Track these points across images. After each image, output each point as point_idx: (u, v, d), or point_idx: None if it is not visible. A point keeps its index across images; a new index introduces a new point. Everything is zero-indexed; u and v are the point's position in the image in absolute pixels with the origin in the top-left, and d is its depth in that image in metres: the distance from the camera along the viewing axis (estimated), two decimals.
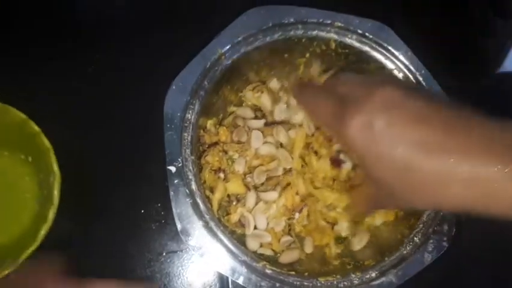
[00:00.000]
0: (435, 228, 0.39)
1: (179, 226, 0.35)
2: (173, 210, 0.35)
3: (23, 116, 0.41)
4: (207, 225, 0.36)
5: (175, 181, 0.36)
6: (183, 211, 0.36)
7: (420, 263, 0.38)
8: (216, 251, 0.35)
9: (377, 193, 0.33)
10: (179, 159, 0.36)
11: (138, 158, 0.47)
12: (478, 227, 0.39)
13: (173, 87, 0.38)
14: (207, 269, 0.45)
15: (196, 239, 0.35)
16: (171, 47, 0.48)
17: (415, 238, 0.39)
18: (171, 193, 0.36)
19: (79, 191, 0.45)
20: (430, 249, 0.38)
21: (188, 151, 0.37)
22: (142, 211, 0.46)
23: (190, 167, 0.37)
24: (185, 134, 0.37)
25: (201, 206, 0.36)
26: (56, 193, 0.40)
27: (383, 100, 0.30)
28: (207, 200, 0.38)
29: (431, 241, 0.38)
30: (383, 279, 0.37)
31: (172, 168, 0.36)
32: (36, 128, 0.40)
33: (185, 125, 0.38)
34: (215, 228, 0.36)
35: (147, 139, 0.46)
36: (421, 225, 0.39)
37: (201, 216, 0.36)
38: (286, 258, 0.41)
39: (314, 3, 0.42)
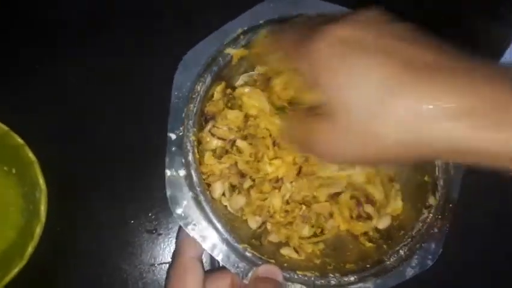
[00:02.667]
0: (422, 244, 0.38)
1: (168, 192, 0.35)
2: (166, 176, 0.35)
3: (4, 128, 0.39)
4: (196, 198, 0.36)
5: (173, 149, 0.36)
6: (175, 179, 0.35)
7: (401, 276, 0.38)
8: (201, 224, 0.35)
9: (333, 128, 0.26)
10: (180, 128, 0.36)
11: (128, 169, 0.46)
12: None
13: (188, 57, 0.38)
14: None
15: (183, 209, 0.35)
16: (170, 46, 0.44)
17: (401, 251, 0.39)
18: (167, 159, 0.35)
19: (65, 204, 0.44)
20: (414, 264, 0.38)
21: (191, 122, 0.37)
22: (132, 221, 0.46)
23: (190, 138, 0.37)
24: (192, 105, 0.37)
25: (194, 177, 0.36)
26: (43, 209, 0.38)
27: (369, 17, 0.26)
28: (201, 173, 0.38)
29: (416, 257, 0.38)
30: (361, 284, 0.37)
31: (172, 136, 0.36)
32: (19, 140, 0.39)
33: (193, 96, 0.37)
34: (204, 202, 0.36)
35: (138, 150, 0.46)
36: (409, 240, 0.39)
37: (191, 187, 0.36)
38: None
39: None
